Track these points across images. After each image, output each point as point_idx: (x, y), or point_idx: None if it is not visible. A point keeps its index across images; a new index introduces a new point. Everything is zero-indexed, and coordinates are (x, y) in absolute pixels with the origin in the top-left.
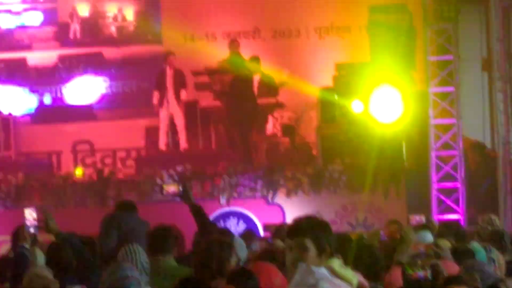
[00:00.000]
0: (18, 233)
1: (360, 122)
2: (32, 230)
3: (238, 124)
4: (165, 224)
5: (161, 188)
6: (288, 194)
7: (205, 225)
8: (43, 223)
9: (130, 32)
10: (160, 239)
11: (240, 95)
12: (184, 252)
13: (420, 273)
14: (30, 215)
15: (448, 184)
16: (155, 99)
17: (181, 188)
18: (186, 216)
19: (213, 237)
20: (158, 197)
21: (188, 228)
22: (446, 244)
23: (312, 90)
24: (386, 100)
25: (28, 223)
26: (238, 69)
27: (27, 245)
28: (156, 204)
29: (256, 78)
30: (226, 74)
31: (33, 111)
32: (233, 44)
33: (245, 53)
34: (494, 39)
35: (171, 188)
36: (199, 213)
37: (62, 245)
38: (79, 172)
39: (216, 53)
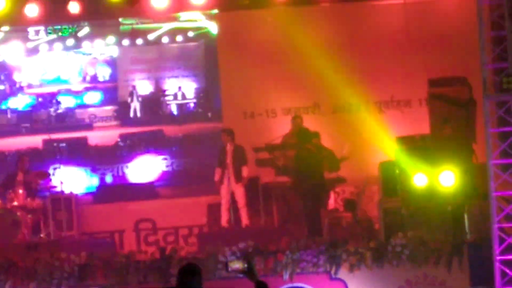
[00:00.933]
0: None
1: (422, 195)
2: None
3: (304, 199)
4: None
5: (226, 265)
6: (351, 269)
7: None
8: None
9: (190, 110)
10: None
11: (306, 169)
12: None
13: None
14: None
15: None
16: (216, 176)
17: (246, 265)
18: None
19: None
20: (222, 274)
21: None
22: None
23: (373, 164)
24: (447, 173)
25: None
26: (303, 144)
27: None
28: (220, 281)
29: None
30: (289, 149)
31: (95, 190)
32: (296, 120)
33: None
34: None
35: (236, 265)
36: None
37: None
38: None
39: (276, 129)
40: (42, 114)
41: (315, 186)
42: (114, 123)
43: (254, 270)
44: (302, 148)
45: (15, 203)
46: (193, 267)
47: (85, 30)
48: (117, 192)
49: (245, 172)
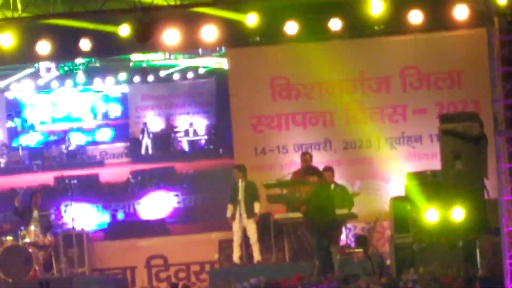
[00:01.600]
0: None
1: (433, 230)
2: None
3: (316, 235)
4: None
5: None
6: None
7: None
8: None
9: (201, 146)
10: None
11: (321, 205)
12: None
13: None
14: None
15: None
16: (228, 213)
17: None
18: None
19: None
20: None
21: None
22: None
23: (384, 200)
24: (457, 209)
25: None
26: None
27: None
28: None
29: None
30: (302, 185)
31: (106, 226)
32: (305, 156)
33: (317, 165)
34: None
35: None
36: None
37: None
38: None
39: (288, 165)
40: (53, 151)
41: (328, 222)
42: (125, 160)
43: None
44: (319, 185)
45: (27, 240)
46: None
47: (96, 67)
48: (129, 228)
49: (257, 208)
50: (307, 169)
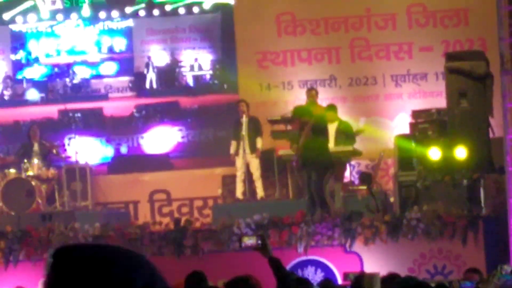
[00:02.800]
0: None
1: (438, 169)
2: None
3: (313, 172)
4: (244, 275)
5: (240, 241)
6: (366, 242)
7: (284, 277)
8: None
9: (206, 81)
10: None
11: (314, 143)
12: None
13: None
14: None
15: None
16: (232, 148)
17: (259, 242)
18: (263, 266)
19: None
20: (236, 246)
21: (265, 277)
22: None
23: (389, 137)
24: (462, 147)
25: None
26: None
27: None
28: (233, 253)
29: (333, 126)
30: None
31: (109, 160)
32: (311, 92)
33: (322, 101)
34: None
35: (250, 241)
36: (277, 266)
37: None
38: None
39: (292, 101)
40: (57, 84)
41: (320, 160)
42: (129, 94)
43: (268, 247)
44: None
45: (30, 173)
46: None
47: (101, 0)
48: (132, 163)
49: (260, 143)
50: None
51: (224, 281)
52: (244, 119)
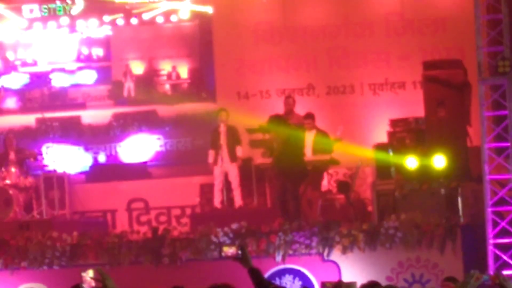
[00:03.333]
0: None
1: (416, 178)
2: None
3: (288, 182)
4: (222, 283)
5: (220, 250)
6: (344, 251)
7: (263, 283)
8: (101, 283)
9: (184, 90)
10: None
11: (288, 153)
12: None
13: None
14: (87, 276)
15: (505, 240)
16: (210, 157)
17: (240, 252)
18: (241, 274)
19: None
20: (214, 255)
21: (244, 286)
22: None
23: (367, 146)
24: (440, 156)
25: (86, 285)
26: (282, 130)
27: None
28: (212, 262)
29: (311, 135)
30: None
31: (87, 169)
32: (288, 100)
33: (299, 110)
34: None
35: (230, 250)
36: (257, 277)
37: None
38: None
39: (270, 110)
40: (35, 93)
41: (294, 168)
42: (107, 102)
43: (248, 257)
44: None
45: (8, 181)
46: None
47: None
48: (110, 171)
49: (239, 152)
50: (272, 119)
51: None
52: (222, 128)
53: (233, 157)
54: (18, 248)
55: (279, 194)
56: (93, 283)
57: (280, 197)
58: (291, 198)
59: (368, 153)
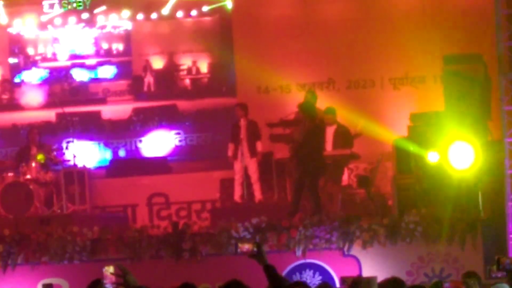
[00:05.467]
0: None
1: (436, 172)
2: (110, 287)
3: (306, 174)
4: (238, 280)
5: (236, 246)
6: (364, 245)
7: (278, 281)
8: (122, 279)
9: (204, 85)
10: None
11: (308, 145)
12: None
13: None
14: (108, 272)
15: None
16: (230, 151)
17: (255, 249)
18: (260, 269)
19: None
20: (234, 250)
21: (263, 280)
22: None
23: (388, 140)
24: (461, 150)
25: (107, 280)
26: (310, 118)
27: None
28: (232, 256)
29: (331, 130)
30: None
31: (107, 164)
32: (308, 95)
33: (320, 104)
34: None
35: (246, 246)
36: (272, 274)
37: None
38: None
39: (290, 104)
40: (55, 88)
41: (313, 161)
42: (127, 97)
43: (264, 254)
44: (308, 123)
45: (28, 176)
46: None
47: (99, 4)
48: (130, 166)
49: (259, 147)
50: (303, 105)
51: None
52: (243, 123)
53: (253, 152)
54: (38, 243)
55: (295, 186)
56: (114, 279)
57: (296, 189)
58: (309, 191)
59: (389, 147)
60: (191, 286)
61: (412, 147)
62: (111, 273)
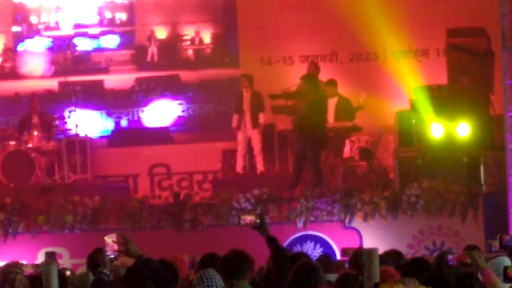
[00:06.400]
0: (97, 258)
1: (438, 145)
2: (112, 256)
3: (308, 146)
4: (240, 249)
5: (239, 219)
6: (365, 218)
7: (280, 257)
8: (123, 247)
9: (207, 55)
10: (236, 264)
11: (311, 117)
12: (254, 276)
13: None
14: (110, 240)
15: None
16: (234, 122)
17: (258, 220)
18: (261, 241)
19: (303, 261)
20: (235, 221)
21: (265, 251)
22: None
23: (390, 113)
24: (463, 124)
25: (108, 248)
26: (313, 90)
27: (107, 271)
28: (233, 227)
29: (333, 102)
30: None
31: (109, 133)
32: (312, 67)
33: (323, 76)
34: None
35: (248, 218)
36: (275, 246)
37: (142, 268)
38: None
39: (293, 76)
40: (58, 57)
41: (315, 133)
42: (130, 67)
43: (266, 226)
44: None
45: (30, 145)
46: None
47: None
48: (132, 136)
49: (262, 118)
50: (306, 77)
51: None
52: (246, 94)
53: (255, 123)
54: (39, 212)
55: (297, 158)
56: (115, 247)
57: (298, 161)
58: (311, 163)
59: (391, 120)
60: (214, 256)
61: (414, 121)
62: (113, 241)
